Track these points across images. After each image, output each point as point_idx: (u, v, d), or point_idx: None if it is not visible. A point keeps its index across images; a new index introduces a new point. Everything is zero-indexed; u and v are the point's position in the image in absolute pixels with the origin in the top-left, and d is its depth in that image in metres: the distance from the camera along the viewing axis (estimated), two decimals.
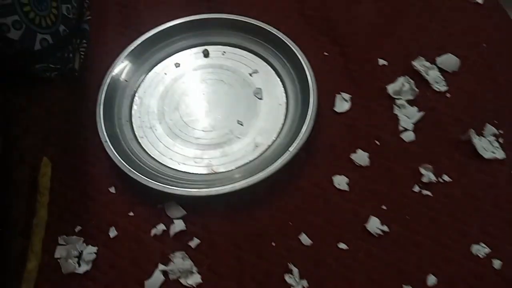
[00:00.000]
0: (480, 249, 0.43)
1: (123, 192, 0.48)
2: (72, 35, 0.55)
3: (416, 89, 0.52)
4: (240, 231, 0.45)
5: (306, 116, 0.49)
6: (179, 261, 0.43)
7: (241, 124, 0.52)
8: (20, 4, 0.46)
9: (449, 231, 0.44)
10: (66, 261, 0.44)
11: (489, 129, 0.49)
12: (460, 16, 0.59)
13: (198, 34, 0.59)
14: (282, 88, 0.55)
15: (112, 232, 0.46)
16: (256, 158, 0.50)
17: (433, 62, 0.55)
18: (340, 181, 0.47)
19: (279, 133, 0.51)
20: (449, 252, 0.43)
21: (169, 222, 0.46)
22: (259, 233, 0.45)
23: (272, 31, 0.56)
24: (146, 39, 0.56)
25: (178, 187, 0.46)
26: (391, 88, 0.53)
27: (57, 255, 0.45)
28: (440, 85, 0.53)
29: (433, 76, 0.54)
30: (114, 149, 0.48)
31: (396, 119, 0.51)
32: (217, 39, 0.59)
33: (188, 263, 0.43)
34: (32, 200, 0.47)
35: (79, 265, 0.44)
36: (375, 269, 0.43)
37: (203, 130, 0.52)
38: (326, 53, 0.57)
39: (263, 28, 0.56)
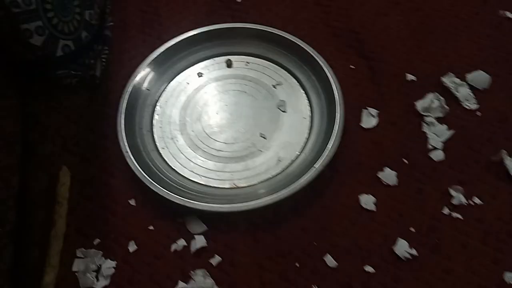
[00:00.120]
0: None
1: (143, 204, 0.47)
2: (94, 41, 0.54)
3: (446, 107, 0.51)
4: (263, 250, 0.44)
5: (331, 131, 0.47)
6: (200, 279, 0.42)
7: (264, 137, 0.51)
8: (44, 10, 0.45)
9: (481, 257, 0.42)
10: (84, 275, 0.43)
11: None
12: (491, 31, 0.57)
13: (222, 44, 0.57)
14: (307, 101, 0.53)
15: (132, 247, 0.45)
16: (279, 173, 0.49)
17: (463, 78, 0.53)
18: (367, 201, 0.46)
19: (303, 147, 0.50)
20: (481, 280, 0.41)
21: (189, 237, 0.45)
22: (282, 253, 0.44)
23: (297, 42, 0.55)
24: (169, 47, 0.55)
25: (200, 201, 0.44)
26: (419, 105, 0.51)
27: (75, 268, 0.43)
28: (471, 103, 0.52)
29: (463, 93, 0.52)
30: (135, 160, 0.47)
31: (425, 137, 0.50)
32: (241, 49, 0.57)
33: (209, 282, 0.42)
34: (50, 211, 0.46)
35: (97, 279, 0.43)
36: None
37: (225, 143, 0.51)
38: (352, 66, 0.56)
39: (288, 38, 0.55)
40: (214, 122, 0.53)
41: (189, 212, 0.45)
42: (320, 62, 0.52)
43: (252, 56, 0.57)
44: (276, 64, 0.56)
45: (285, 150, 0.50)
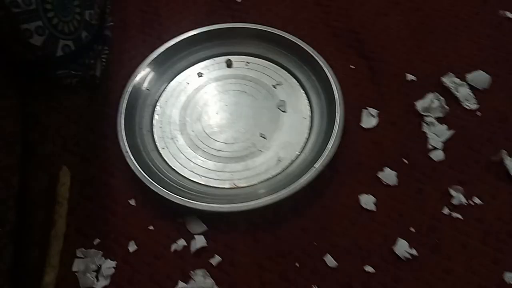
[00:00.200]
0: None
1: (143, 204, 0.47)
2: (94, 41, 0.54)
3: (446, 107, 0.51)
4: (263, 250, 0.44)
5: (331, 131, 0.47)
6: (200, 279, 0.42)
7: (264, 137, 0.51)
8: (44, 10, 0.45)
9: (481, 257, 0.42)
10: (84, 275, 0.43)
11: None
12: (491, 31, 0.57)
13: (222, 44, 0.57)
14: (307, 101, 0.53)
15: (132, 247, 0.44)
16: (279, 173, 0.49)
17: (463, 78, 0.53)
18: (367, 201, 0.46)
19: (303, 147, 0.50)
20: (481, 280, 0.41)
21: (189, 237, 0.45)
22: (282, 253, 0.44)
23: (297, 42, 0.55)
24: (169, 47, 0.55)
25: (200, 201, 0.44)
26: (419, 105, 0.51)
27: (75, 268, 0.43)
28: (471, 103, 0.52)
29: (463, 93, 0.52)
30: (135, 160, 0.47)
31: (425, 137, 0.50)
32: (241, 49, 0.57)
33: (209, 282, 0.42)
34: (50, 211, 0.46)
35: (97, 279, 0.43)
36: None
37: (225, 143, 0.51)
38: (352, 66, 0.56)
39: (288, 38, 0.55)
40: (214, 122, 0.53)
41: (189, 212, 0.45)
42: (320, 62, 0.52)
43: (252, 56, 0.57)
44: (276, 64, 0.56)
45: (285, 150, 0.50)
